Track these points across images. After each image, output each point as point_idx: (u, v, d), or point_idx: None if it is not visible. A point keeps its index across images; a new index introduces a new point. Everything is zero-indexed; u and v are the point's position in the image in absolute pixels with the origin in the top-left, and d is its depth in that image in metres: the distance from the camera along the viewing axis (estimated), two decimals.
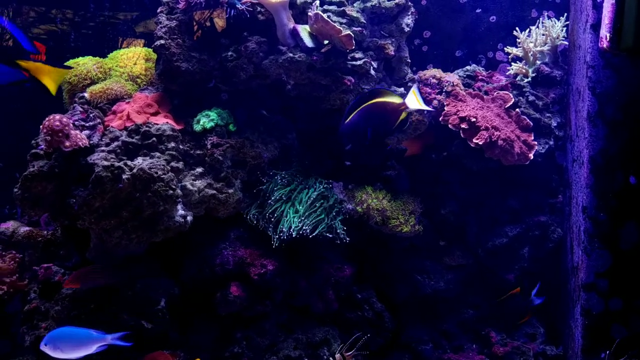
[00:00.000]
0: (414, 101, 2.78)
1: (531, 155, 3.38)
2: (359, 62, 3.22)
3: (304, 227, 3.11)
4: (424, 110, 3.43)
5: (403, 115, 2.81)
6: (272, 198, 3.20)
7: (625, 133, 3.00)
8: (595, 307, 3.03)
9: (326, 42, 3.17)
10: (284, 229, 3.12)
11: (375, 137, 2.73)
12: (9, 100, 4.12)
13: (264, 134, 3.34)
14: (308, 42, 3.15)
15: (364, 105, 2.68)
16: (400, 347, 3.60)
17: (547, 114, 3.60)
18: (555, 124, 3.60)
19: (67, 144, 2.90)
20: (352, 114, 2.65)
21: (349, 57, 3.22)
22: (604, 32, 2.82)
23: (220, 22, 3.31)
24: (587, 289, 3.04)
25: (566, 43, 3.67)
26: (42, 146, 2.96)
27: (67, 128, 2.90)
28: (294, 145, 3.46)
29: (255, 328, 3.27)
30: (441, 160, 3.67)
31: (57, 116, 2.90)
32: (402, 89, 3.49)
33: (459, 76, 3.63)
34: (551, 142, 3.56)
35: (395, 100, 2.74)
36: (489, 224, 3.64)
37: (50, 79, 2.90)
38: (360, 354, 2.96)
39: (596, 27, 3.00)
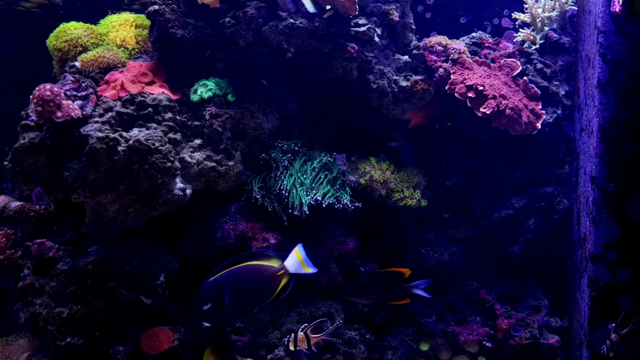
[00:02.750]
0: (295, 263, 2.46)
1: (539, 125, 3.31)
2: (362, 29, 3.12)
3: (315, 198, 3.04)
4: (431, 79, 3.34)
5: (284, 280, 2.48)
6: (276, 171, 3.11)
7: (636, 101, 2.92)
8: (602, 278, 2.99)
9: (328, 7, 3.05)
10: (295, 204, 3.03)
11: (244, 305, 2.43)
12: None
13: (264, 104, 3.23)
14: (309, 7, 3.03)
15: (236, 267, 2.41)
16: (403, 320, 3.56)
17: (555, 82, 3.52)
18: (563, 93, 3.52)
19: (59, 114, 2.79)
20: (221, 272, 2.39)
21: (352, 23, 3.12)
22: None
23: None
24: (595, 260, 2.99)
25: (575, 8, 3.57)
26: (33, 117, 2.84)
27: (58, 98, 2.79)
28: (296, 116, 3.36)
29: None
30: (446, 131, 3.60)
31: (48, 85, 2.78)
32: (406, 57, 3.40)
33: (465, 43, 3.53)
34: (559, 111, 3.49)
35: (274, 263, 2.46)
36: (495, 196, 3.59)
37: None
38: (328, 339, 2.82)
39: None
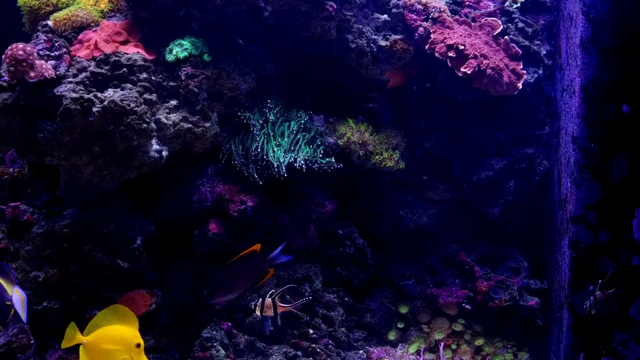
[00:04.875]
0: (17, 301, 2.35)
1: (520, 85, 3.28)
2: None
3: (294, 160, 3.01)
4: (411, 39, 3.29)
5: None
6: (254, 133, 3.07)
7: (618, 60, 2.88)
8: (583, 239, 2.98)
9: None
10: (274, 163, 3.00)
11: None
12: None
13: (241, 64, 3.18)
14: None
15: None
16: (382, 283, 3.56)
17: (537, 42, 3.49)
18: (544, 52, 3.49)
19: (32, 74, 2.75)
20: None
21: None
22: None
23: None
24: (576, 221, 2.98)
25: None
26: (5, 77, 2.80)
27: (31, 57, 2.75)
28: (273, 77, 3.31)
29: None
30: (425, 92, 3.56)
31: (20, 45, 2.74)
32: (385, 16, 3.35)
33: (445, 2, 3.47)
34: (540, 72, 3.46)
35: (8, 288, 2.33)
36: (475, 157, 3.57)
37: None
38: (295, 312, 2.76)
39: None
